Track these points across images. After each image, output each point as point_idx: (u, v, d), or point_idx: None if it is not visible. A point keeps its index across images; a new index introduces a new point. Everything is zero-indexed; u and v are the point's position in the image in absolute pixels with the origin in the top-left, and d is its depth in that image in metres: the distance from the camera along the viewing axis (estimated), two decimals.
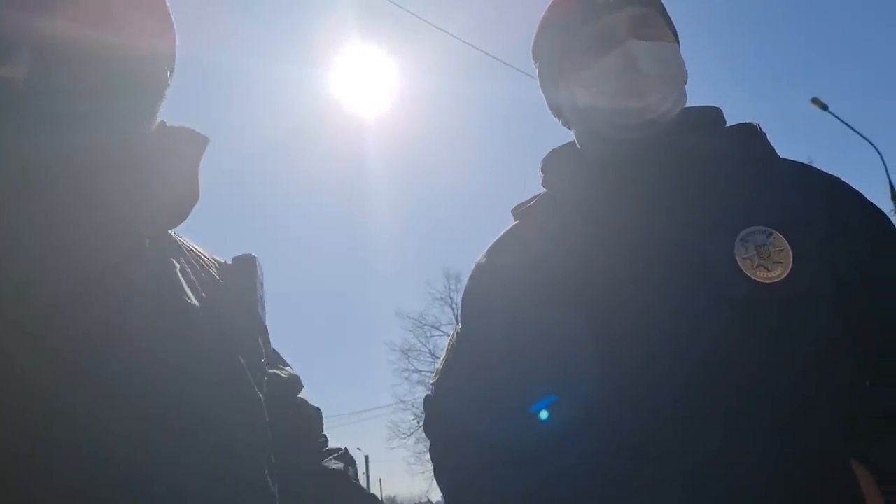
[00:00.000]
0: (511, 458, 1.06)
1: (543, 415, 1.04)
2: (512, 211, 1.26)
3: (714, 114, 1.18)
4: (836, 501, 0.90)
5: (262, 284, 1.12)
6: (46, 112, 0.80)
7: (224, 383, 0.90)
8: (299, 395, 1.21)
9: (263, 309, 1.11)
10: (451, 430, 1.19)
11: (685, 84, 1.15)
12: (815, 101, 13.08)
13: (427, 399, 1.27)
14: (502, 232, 1.25)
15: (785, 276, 0.96)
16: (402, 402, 26.69)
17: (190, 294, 0.92)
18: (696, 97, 1.17)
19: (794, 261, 0.97)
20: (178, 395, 0.82)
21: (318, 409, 1.23)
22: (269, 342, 1.13)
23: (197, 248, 1.08)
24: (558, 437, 1.01)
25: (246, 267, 1.10)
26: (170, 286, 0.91)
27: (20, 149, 0.80)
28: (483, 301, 1.20)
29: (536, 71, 1.28)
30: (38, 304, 0.75)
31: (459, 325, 1.26)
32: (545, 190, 1.23)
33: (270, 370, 1.10)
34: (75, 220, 0.82)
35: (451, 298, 26.01)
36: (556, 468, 1.01)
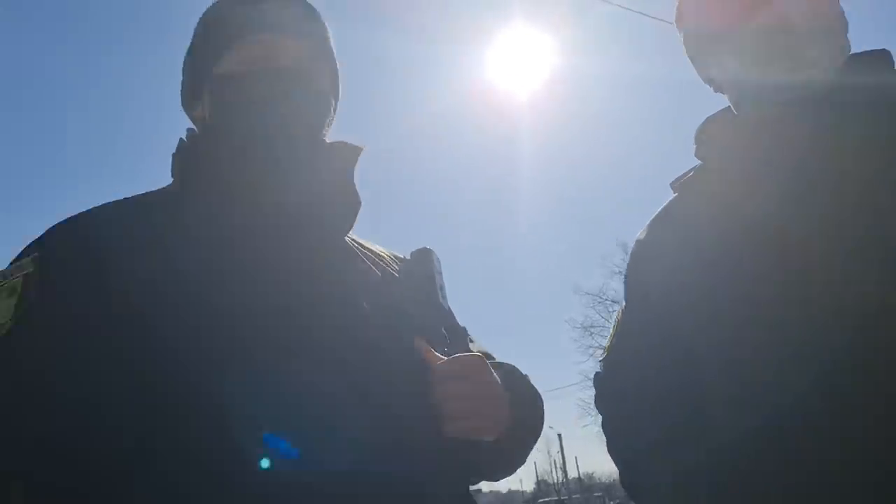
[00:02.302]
0: (677, 435, 1.07)
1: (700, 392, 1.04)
2: (670, 185, 1.23)
3: (883, 59, 1.08)
4: None
5: (440, 273, 1.17)
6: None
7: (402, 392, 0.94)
8: None
9: (444, 296, 1.16)
10: (619, 408, 1.21)
11: (846, 32, 1.09)
12: None
13: (596, 376, 1.29)
14: (661, 206, 1.24)
15: None
16: (589, 378, 26.23)
17: (364, 300, 0.97)
18: (866, 42, 1.10)
19: None
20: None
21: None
22: (456, 324, 1.18)
23: (375, 248, 1.15)
24: (721, 414, 1.01)
25: (423, 259, 1.15)
26: (347, 293, 0.97)
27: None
28: (642, 279, 1.21)
29: (681, 39, 1.24)
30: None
31: (623, 303, 1.29)
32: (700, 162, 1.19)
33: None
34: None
35: None
36: (724, 442, 1.00)
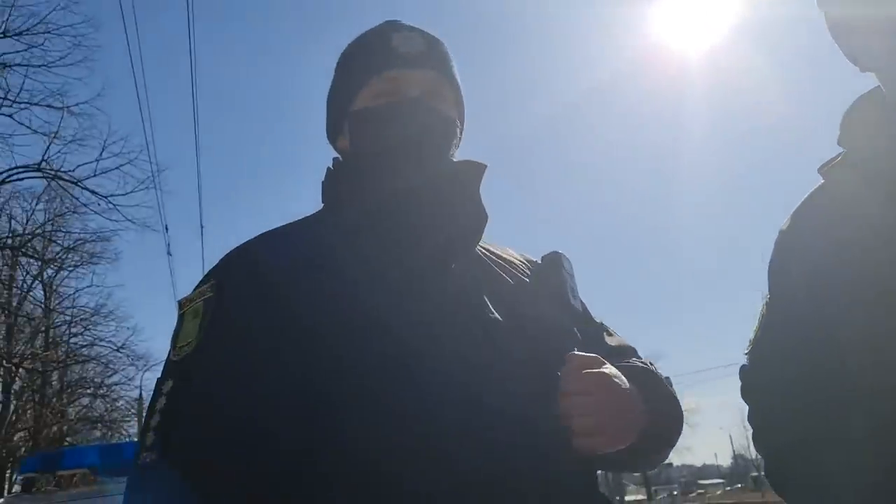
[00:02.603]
0: (821, 434, 1.04)
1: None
2: (818, 170, 1.17)
3: None
4: None
5: (571, 275, 1.23)
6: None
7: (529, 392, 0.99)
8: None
9: (576, 296, 1.21)
10: (763, 403, 1.20)
11: None
12: None
13: (742, 369, 1.27)
14: (808, 193, 1.19)
15: None
16: None
17: (493, 309, 1.04)
18: None
19: None
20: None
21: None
22: (592, 320, 1.23)
23: (506, 254, 1.22)
24: (868, 412, 0.97)
25: (553, 262, 1.21)
26: (481, 303, 1.04)
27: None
28: (785, 270, 1.17)
29: (824, 17, 1.16)
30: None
31: (767, 295, 1.26)
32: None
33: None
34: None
35: None
36: (870, 441, 0.97)
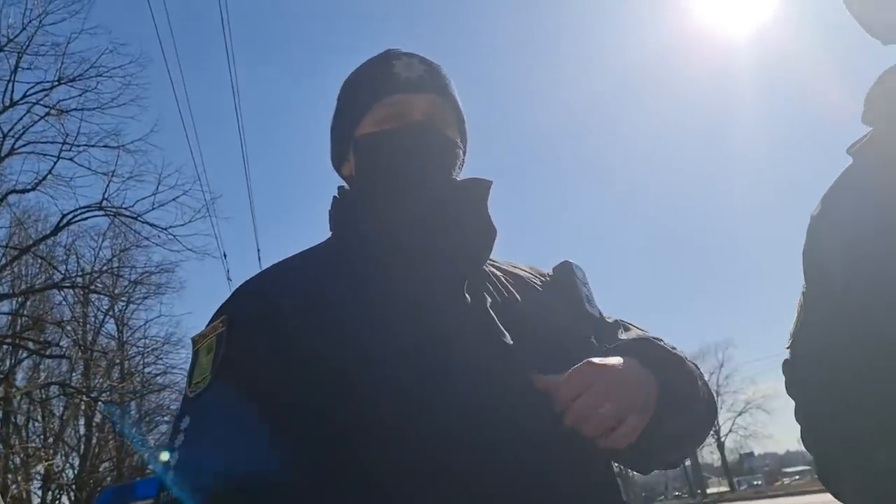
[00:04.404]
0: (870, 433, 0.99)
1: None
2: (847, 151, 1.13)
3: None
4: None
5: (585, 283, 1.22)
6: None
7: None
8: None
9: (591, 303, 1.19)
10: (808, 398, 1.14)
11: None
12: None
13: (785, 363, 1.23)
14: (836, 177, 1.14)
15: None
16: None
17: (506, 327, 1.02)
18: None
19: None
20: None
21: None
22: (607, 324, 1.20)
23: (515, 269, 1.22)
24: None
25: (565, 272, 1.21)
26: (490, 322, 1.02)
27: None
28: (820, 256, 1.12)
29: None
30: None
31: (804, 285, 1.21)
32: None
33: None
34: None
35: None
36: None
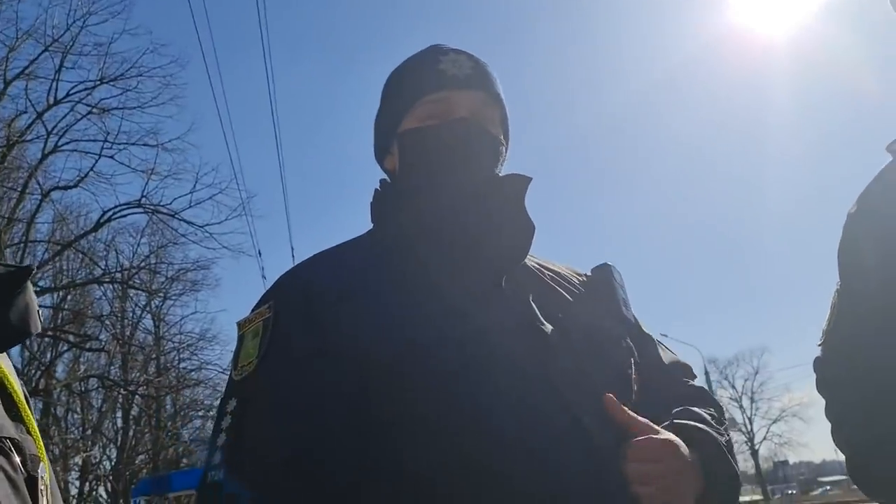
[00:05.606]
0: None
1: None
2: (887, 148, 1.13)
3: None
4: None
5: (622, 286, 1.22)
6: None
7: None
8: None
9: (628, 307, 1.20)
10: (840, 396, 1.15)
11: None
12: None
13: (816, 361, 1.23)
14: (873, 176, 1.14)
15: None
16: None
17: (544, 321, 1.03)
18: None
19: None
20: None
21: (701, 389, 1.22)
22: (643, 333, 1.21)
23: (555, 267, 1.22)
24: None
25: (603, 274, 1.22)
26: (533, 316, 1.03)
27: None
28: (856, 255, 1.12)
29: None
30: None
31: (839, 283, 1.21)
32: None
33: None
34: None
35: None
36: None
